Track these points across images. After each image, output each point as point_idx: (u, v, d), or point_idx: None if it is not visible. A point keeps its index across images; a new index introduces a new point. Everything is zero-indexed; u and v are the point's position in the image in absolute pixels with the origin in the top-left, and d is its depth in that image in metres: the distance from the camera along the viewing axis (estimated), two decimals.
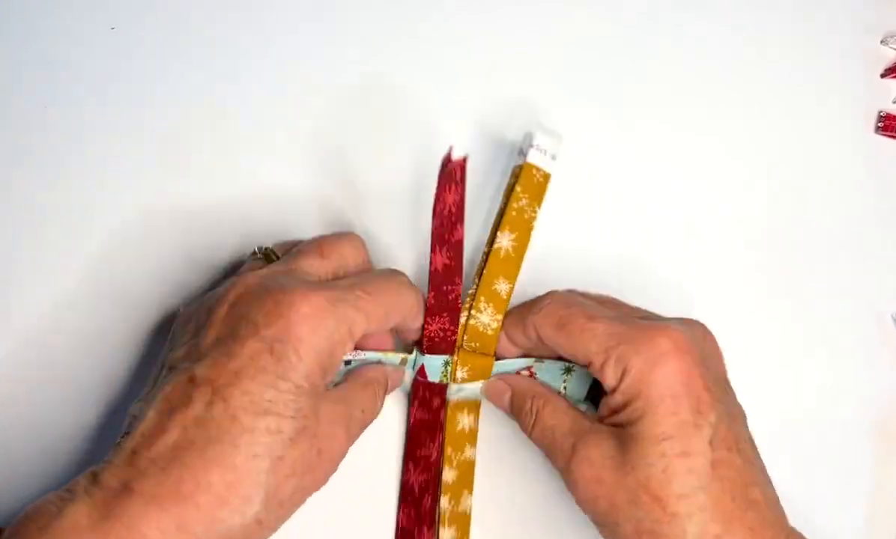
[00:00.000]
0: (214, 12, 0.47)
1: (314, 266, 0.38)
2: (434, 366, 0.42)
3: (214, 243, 0.45)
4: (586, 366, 0.38)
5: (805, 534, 0.44)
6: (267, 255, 0.40)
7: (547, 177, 0.43)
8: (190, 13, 0.47)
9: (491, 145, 0.47)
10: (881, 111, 0.49)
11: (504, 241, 0.42)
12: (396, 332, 0.41)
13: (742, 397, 0.45)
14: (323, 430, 0.35)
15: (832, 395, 0.46)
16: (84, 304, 0.44)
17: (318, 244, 0.39)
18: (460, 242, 0.39)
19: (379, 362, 0.41)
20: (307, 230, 0.44)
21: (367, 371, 0.40)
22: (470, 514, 0.43)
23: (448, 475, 0.43)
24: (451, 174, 0.37)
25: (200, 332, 0.35)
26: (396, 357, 0.41)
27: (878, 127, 0.49)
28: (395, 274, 0.40)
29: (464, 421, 0.43)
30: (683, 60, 0.49)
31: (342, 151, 0.46)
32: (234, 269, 0.44)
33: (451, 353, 0.42)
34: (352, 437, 0.38)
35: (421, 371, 0.42)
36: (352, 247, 0.40)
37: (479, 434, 0.43)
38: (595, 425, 0.38)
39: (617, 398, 0.37)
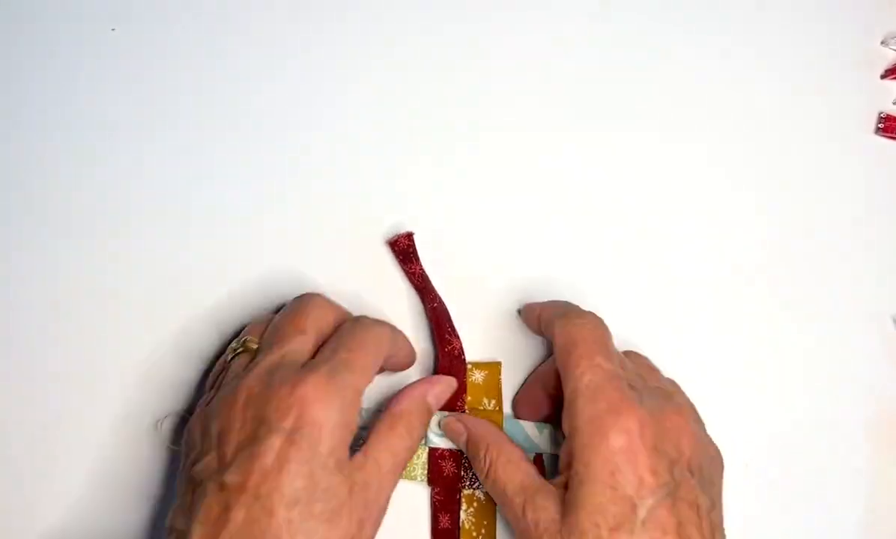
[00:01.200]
0: (215, 14, 0.47)
1: (299, 345, 0.39)
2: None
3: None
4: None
5: (804, 534, 0.44)
6: (246, 347, 0.40)
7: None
8: (190, 15, 0.47)
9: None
10: (881, 112, 0.49)
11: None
12: (387, 368, 0.43)
13: (742, 398, 0.46)
14: (357, 501, 0.37)
15: (831, 395, 0.46)
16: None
17: (293, 321, 0.40)
18: (438, 299, 0.44)
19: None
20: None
21: (389, 414, 0.40)
22: None
23: None
24: (405, 250, 0.44)
25: (222, 442, 0.37)
26: None
27: (879, 128, 0.49)
28: (360, 321, 0.41)
29: None
30: (682, 62, 0.49)
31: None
32: (218, 355, 0.44)
33: (461, 412, 0.44)
34: (392, 484, 0.39)
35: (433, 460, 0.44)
36: (321, 310, 0.41)
37: None
38: (545, 485, 0.38)
39: (563, 455, 0.38)
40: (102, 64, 0.47)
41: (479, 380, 0.45)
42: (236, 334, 0.43)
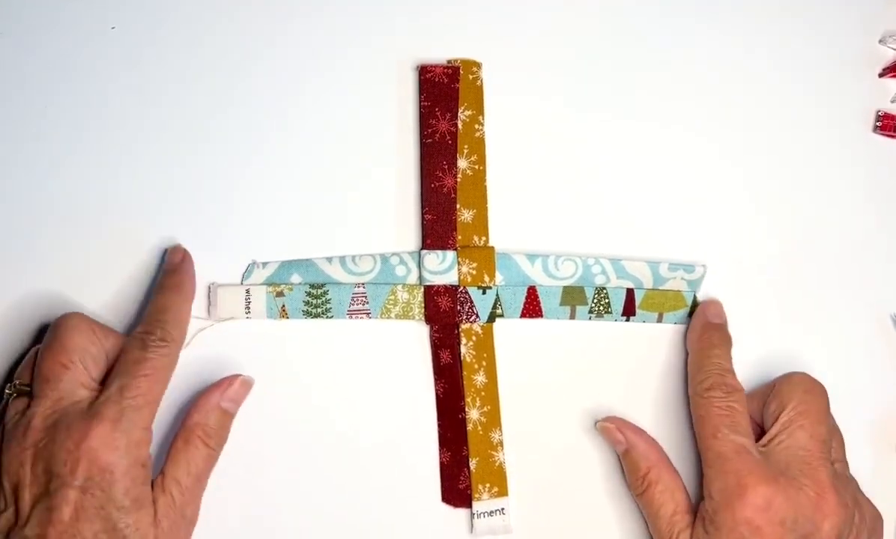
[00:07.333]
0: (216, 12, 0.47)
1: (70, 384, 0.40)
2: (436, 262, 0.43)
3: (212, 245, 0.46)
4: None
5: None
6: (19, 391, 0.41)
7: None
8: (190, 13, 0.47)
9: None
10: (879, 111, 0.49)
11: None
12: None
13: None
14: (163, 525, 0.39)
15: (832, 395, 0.46)
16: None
17: (54, 355, 0.40)
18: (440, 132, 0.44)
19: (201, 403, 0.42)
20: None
21: (183, 428, 0.41)
22: (504, 467, 0.44)
23: (473, 414, 0.44)
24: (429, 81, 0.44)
25: (17, 497, 0.38)
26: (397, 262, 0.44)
27: (877, 126, 0.49)
28: (138, 342, 0.41)
29: (479, 379, 0.44)
30: (680, 61, 0.48)
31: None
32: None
33: (453, 249, 0.43)
34: (197, 494, 0.41)
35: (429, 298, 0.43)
36: (81, 335, 0.41)
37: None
38: (689, 525, 0.41)
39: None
40: (102, 63, 0.47)
41: (469, 219, 0.44)
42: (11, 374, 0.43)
